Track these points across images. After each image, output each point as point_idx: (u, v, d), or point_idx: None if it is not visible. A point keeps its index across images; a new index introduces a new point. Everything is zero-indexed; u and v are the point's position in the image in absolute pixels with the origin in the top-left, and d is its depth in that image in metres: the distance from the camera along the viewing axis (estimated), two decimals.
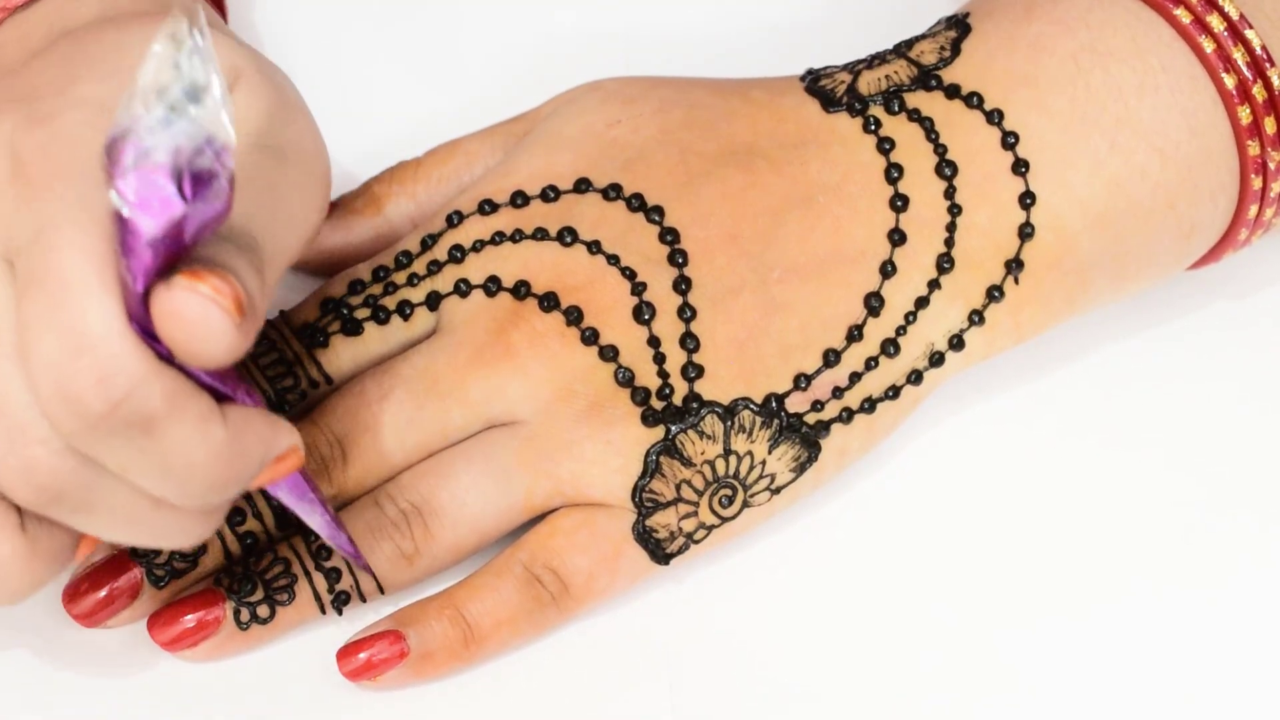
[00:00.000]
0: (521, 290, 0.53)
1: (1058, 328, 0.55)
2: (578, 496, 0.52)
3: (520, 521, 0.53)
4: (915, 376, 0.54)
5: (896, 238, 0.53)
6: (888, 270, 0.53)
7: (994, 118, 0.54)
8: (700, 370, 0.52)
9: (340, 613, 0.52)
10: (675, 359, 0.52)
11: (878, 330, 0.53)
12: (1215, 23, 0.53)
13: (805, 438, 0.53)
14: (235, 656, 0.52)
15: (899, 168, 0.54)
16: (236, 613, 0.52)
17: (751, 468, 0.52)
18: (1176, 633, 0.54)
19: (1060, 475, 0.56)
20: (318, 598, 0.52)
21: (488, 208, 0.54)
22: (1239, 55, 0.53)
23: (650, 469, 0.52)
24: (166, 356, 0.43)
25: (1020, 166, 0.53)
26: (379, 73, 0.62)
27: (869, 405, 0.53)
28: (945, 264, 0.53)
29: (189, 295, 0.42)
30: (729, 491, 0.53)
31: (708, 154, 0.54)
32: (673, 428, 0.52)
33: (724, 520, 0.53)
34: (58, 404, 0.43)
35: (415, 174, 0.57)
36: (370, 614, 0.53)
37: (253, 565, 0.52)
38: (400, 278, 0.54)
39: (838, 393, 0.53)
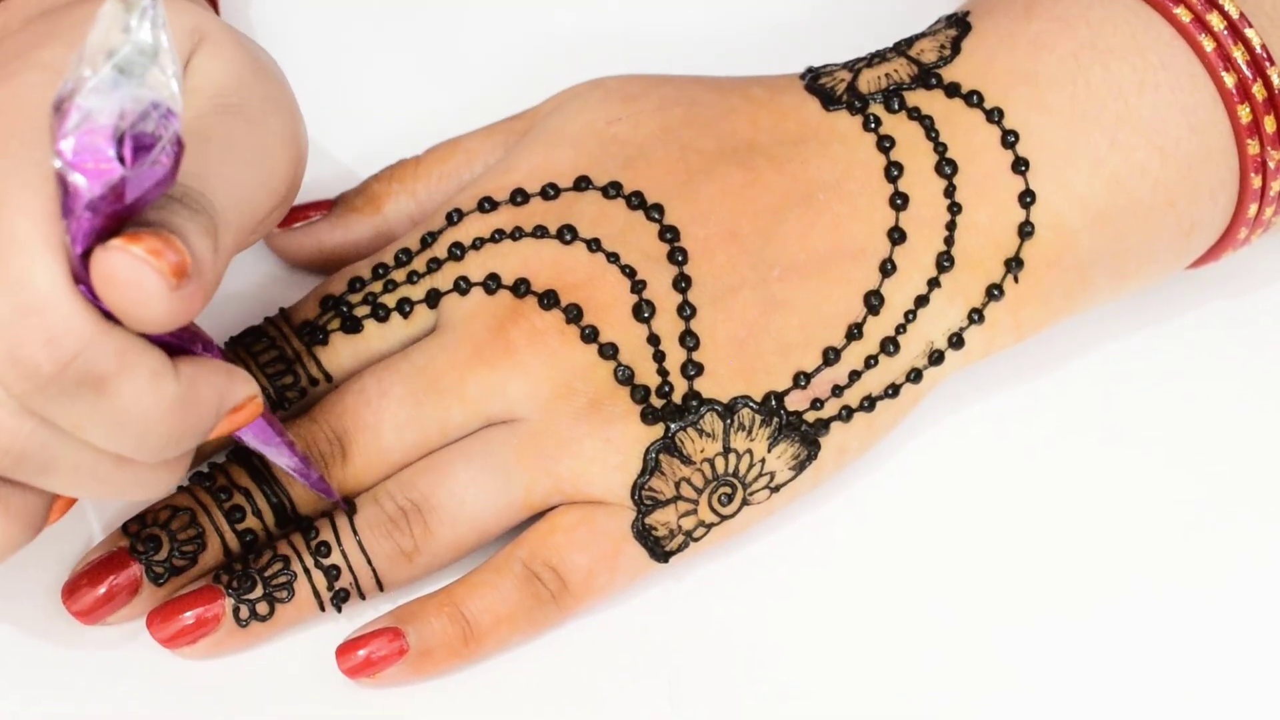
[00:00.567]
0: (521, 288, 0.53)
1: (1057, 326, 0.55)
2: (577, 494, 0.52)
3: (520, 519, 0.53)
4: (915, 375, 0.54)
5: (896, 236, 0.53)
6: (887, 268, 0.53)
7: (994, 116, 0.54)
8: (700, 368, 0.52)
9: (339, 610, 0.52)
10: (675, 357, 0.52)
11: (877, 328, 0.53)
12: (1215, 21, 0.53)
13: (805, 436, 0.53)
14: (234, 654, 0.52)
15: (899, 166, 0.54)
16: (236, 610, 0.52)
17: (751, 466, 0.52)
18: (1176, 632, 0.54)
19: (1059, 474, 0.56)
20: (317, 595, 0.52)
21: (488, 205, 0.54)
22: (1239, 54, 0.53)
23: (650, 467, 0.52)
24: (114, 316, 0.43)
25: (1020, 165, 0.53)
26: (379, 72, 0.62)
27: (868, 403, 0.53)
28: (945, 262, 0.53)
29: (122, 257, 0.42)
30: (728, 489, 0.53)
31: (708, 152, 0.54)
32: (672, 425, 0.52)
33: (723, 518, 0.53)
34: (8, 367, 0.43)
35: (415, 172, 0.57)
36: (369, 611, 0.53)
37: (252, 562, 0.52)
38: (400, 275, 0.54)
39: (837, 391, 0.53)
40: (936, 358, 0.54)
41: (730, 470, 0.52)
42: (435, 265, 0.54)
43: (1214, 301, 0.59)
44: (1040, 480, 0.56)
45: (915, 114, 0.54)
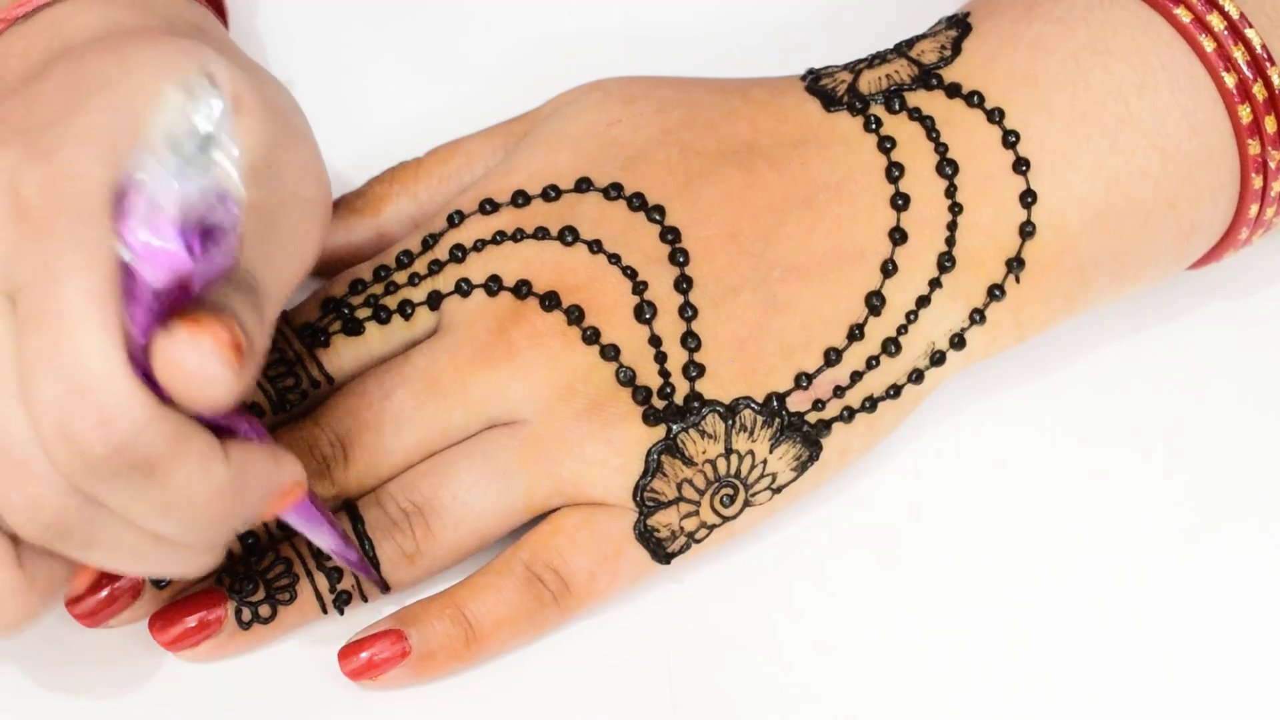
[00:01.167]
0: (523, 289, 0.53)
1: (1058, 327, 0.55)
2: (579, 496, 0.52)
3: (521, 521, 0.53)
4: (916, 375, 0.54)
5: (897, 236, 0.53)
6: (889, 269, 0.53)
7: (995, 116, 0.54)
8: (701, 369, 0.52)
9: (342, 612, 0.52)
10: (676, 358, 0.52)
11: (879, 329, 0.53)
12: (1215, 22, 0.53)
13: (806, 437, 0.53)
14: (237, 656, 0.52)
15: (900, 166, 0.54)
16: (238, 612, 0.52)
17: (753, 467, 0.52)
18: (1176, 631, 0.54)
19: (1060, 475, 0.56)
20: (319, 597, 0.52)
21: (489, 207, 0.54)
22: (1239, 54, 0.53)
23: (651, 468, 0.52)
24: (167, 397, 0.42)
25: (1021, 165, 0.53)
26: (379, 73, 0.62)
27: (870, 404, 0.53)
28: (946, 263, 0.53)
29: (190, 347, 0.41)
30: (730, 491, 0.53)
31: (708, 153, 0.54)
32: (674, 427, 0.52)
33: (725, 519, 0.53)
34: (59, 445, 0.42)
35: (416, 174, 0.57)
36: (372, 613, 0.53)
37: (254, 565, 0.52)
38: (401, 277, 0.54)
39: (839, 391, 0.53)
40: (938, 358, 0.54)
41: (732, 471, 0.52)
42: (436, 267, 0.54)
43: (1215, 302, 0.59)
44: (1042, 481, 0.56)
45: (916, 115, 0.54)
